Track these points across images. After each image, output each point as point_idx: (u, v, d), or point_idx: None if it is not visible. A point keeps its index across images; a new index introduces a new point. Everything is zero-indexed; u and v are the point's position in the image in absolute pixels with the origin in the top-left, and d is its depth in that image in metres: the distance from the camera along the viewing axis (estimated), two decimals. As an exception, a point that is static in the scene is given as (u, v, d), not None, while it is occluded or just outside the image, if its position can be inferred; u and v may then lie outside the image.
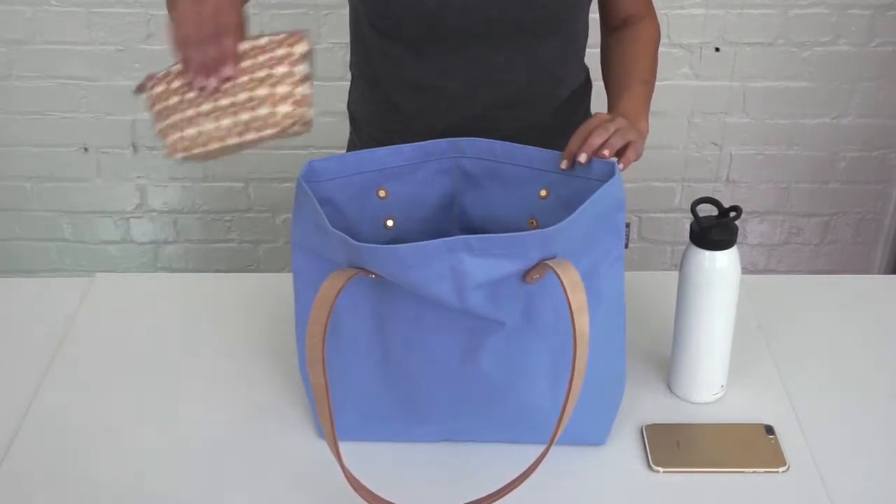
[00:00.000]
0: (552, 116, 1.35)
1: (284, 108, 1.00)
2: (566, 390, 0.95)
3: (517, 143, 1.09)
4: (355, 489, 0.99)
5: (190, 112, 1.02)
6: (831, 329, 1.31)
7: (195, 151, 1.02)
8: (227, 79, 1.01)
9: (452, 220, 1.14)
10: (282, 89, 1.01)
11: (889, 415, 1.16)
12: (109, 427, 1.15)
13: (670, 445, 1.10)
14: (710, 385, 1.17)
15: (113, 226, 2.51)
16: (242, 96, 1.01)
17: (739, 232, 1.10)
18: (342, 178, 1.07)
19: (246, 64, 1.02)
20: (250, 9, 1.12)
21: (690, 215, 1.11)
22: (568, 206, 1.01)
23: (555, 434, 0.96)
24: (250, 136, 1.01)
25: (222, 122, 1.01)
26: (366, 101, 1.38)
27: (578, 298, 0.93)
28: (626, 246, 1.05)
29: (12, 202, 2.47)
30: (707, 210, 1.10)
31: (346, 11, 1.36)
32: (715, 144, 2.41)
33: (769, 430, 1.13)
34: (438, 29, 1.24)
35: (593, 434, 1.11)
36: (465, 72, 1.28)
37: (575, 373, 0.94)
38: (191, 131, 1.02)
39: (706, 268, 1.10)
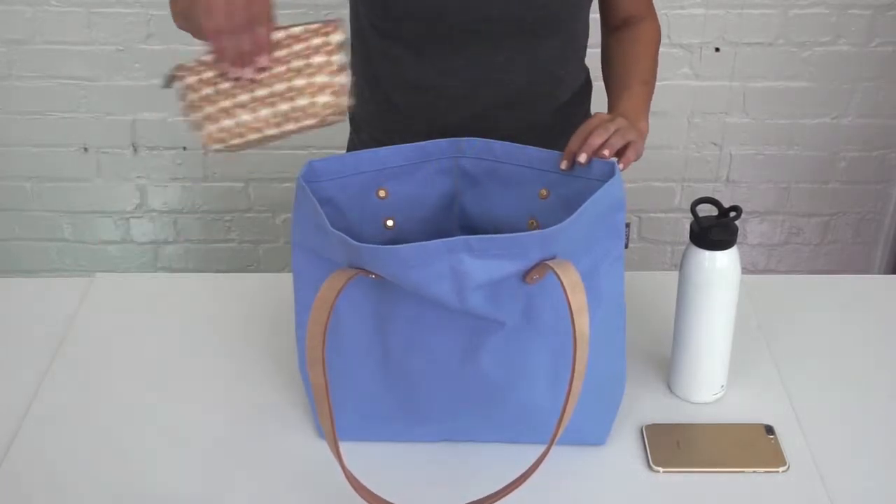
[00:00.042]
0: (552, 116, 1.35)
1: (324, 99, 1.00)
2: (566, 390, 0.95)
3: (517, 143, 1.09)
4: (355, 489, 0.99)
5: (226, 103, 1.01)
6: (831, 329, 1.31)
7: (232, 142, 1.02)
8: (263, 68, 1.01)
9: (452, 220, 1.14)
10: (320, 79, 1.00)
11: (889, 415, 1.16)
12: (109, 427, 1.15)
13: (670, 445, 1.10)
14: (710, 385, 1.17)
15: (113, 226, 2.51)
16: (280, 86, 1.00)
17: (739, 232, 1.10)
18: (342, 178, 1.07)
19: (281, 53, 1.01)
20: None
21: (690, 215, 1.11)
22: (568, 206, 1.01)
23: (555, 434, 0.96)
24: (289, 126, 1.01)
25: (260, 112, 1.01)
26: (366, 101, 1.38)
27: (578, 299, 0.93)
28: (626, 246, 1.05)
29: (12, 202, 2.47)
30: (707, 210, 1.10)
31: (346, 11, 1.36)
32: (715, 144, 2.41)
33: (769, 430, 1.13)
34: (438, 29, 1.24)
35: (593, 434, 1.11)
36: (465, 72, 1.28)
37: (575, 373, 0.94)
38: (228, 122, 1.01)
39: (706, 268, 1.10)
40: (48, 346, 1.28)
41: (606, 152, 1.05)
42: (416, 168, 1.10)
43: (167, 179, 2.44)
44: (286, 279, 1.17)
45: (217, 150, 1.03)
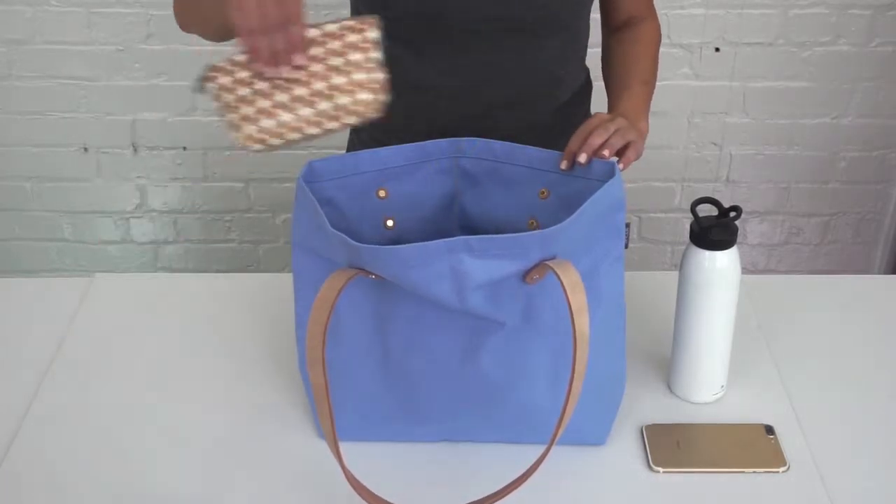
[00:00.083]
0: (552, 116, 1.35)
1: (364, 96, 1.00)
2: (566, 390, 0.95)
3: (517, 143, 1.09)
4: (355, 489, 0.99)
5: (265, 103, 1.00)
6: (831, 329, 1.31)
7: (272, 142, 1.01)
8: (298, 67, 1.00)
9: (452, 220, 1.14)
10: (359, 76, 1.00)
11: (889, 415, 1.16)
12: (109, 427, 1.15)
13: (670, 445, 1.10)
14: (710, 385, 1.17)
15: (113, 226, 2.51)
16: (320, 85, 1.00)
17: (739, 232, 1.10)
18: (342, 178, 1.07)
19: (317, 51, 1.00)
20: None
21: (690, 215, 1.11)
22: (568, 206, 1.01)
23: (555, 434, 0.96)
24: (331, 124, 1.01)
25: (301, 112, 1.00)
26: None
27: (578, 299, 0.93)
28: (626, 246, 1.05)
29: (12, 202, 2.47)
30: (707, 210, 1.10)
31: (346, 12, 1.36)
32: (715, 144, 2.41)
33: (769, 430, 1.13)
34: (438, 28, 1.24)
35: (593, 434, 1.11)
36: (465, 72, 1.28)
37: (575, 373, 0.94)
38: (268, 122, 1.00)
39: (706, 268, 1.10)
40: (48, 346, 1.28)
41: (606, 152, 1.05)
42: (416, 168, 1.10)
43: (167, 179, 2.44)
44: (286, 279, 1.17)
45: (256, 151, 1.02)
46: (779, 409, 1.16)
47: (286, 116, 1.00)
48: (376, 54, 1.01)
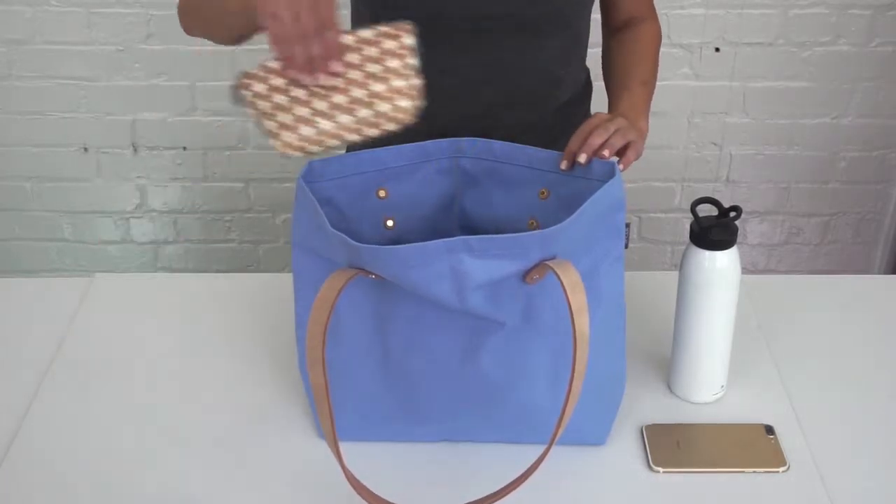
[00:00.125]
0: (552, 116, 1.35)
1: (404, 103, 1.00)
2: (566, 390, 0.95)
3: (517, 143, 1.09)
4: (355, 489, 0.99)
5: (303, 111, 1.00)
6: (831, 329, 1.31)
7: (312, 149, 1.00)
8: (335, 73, 0.99)
9: (452, 220, 1.14)
10: (398, 83, 0.99)
11: (889, 415, 1.16)
12: (109, 427, 1.15)
13: (670, 445, 1.10)
14: (710, 385, 1.17)
15: (113, 226, 2.51)
16: (359, 92, 0.99)
17: (739, 232, 1.10)
18: (342, 178, 1.07)
19: (353, 58, 1.00)
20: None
21: (690, 215, 1.11)
22: (568, 206, 1.01)
23: (555, 434, 0.96)
24: (370, 131, 1.00)
25: (340, 119, 0.99)
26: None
27: (578, 299, 0.93)
28: (626, 246, 1.05)
29: (12, 202, 2.47)
30: (707, 210, 1.10)
31: (346, 12, 1.36)
32: (715, 144, 2.41)
33: (769, 430, 1.13)
34: (438, 27, 1.24)
35: (593, 434, 1.11)
36: (465, 71, 1.27)
37: (575, 373, 0.94)
38: (307, 130, 0.99)
39: (706, 268, 1.10)
40: (48, 346, 1.28)
41: (606, 152, 1.05)
42: (416, 168, 1.10)
43: (167, 179, 2.44)
44: (286, 279, 1.17)
45: (293, 157, 1.01)
46: (779, 409, 1.16)
47: (326, 124, 1.00)
48: (413, 60, 1.00)
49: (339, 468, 0.98)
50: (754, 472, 1.07)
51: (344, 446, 0.99)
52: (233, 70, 2.28)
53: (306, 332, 0.95)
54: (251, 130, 2.37)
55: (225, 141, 2.39)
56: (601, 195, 0.98)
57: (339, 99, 1.00)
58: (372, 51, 1.00)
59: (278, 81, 1.00)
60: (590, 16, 1.32)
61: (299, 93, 1.00)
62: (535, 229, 1.10)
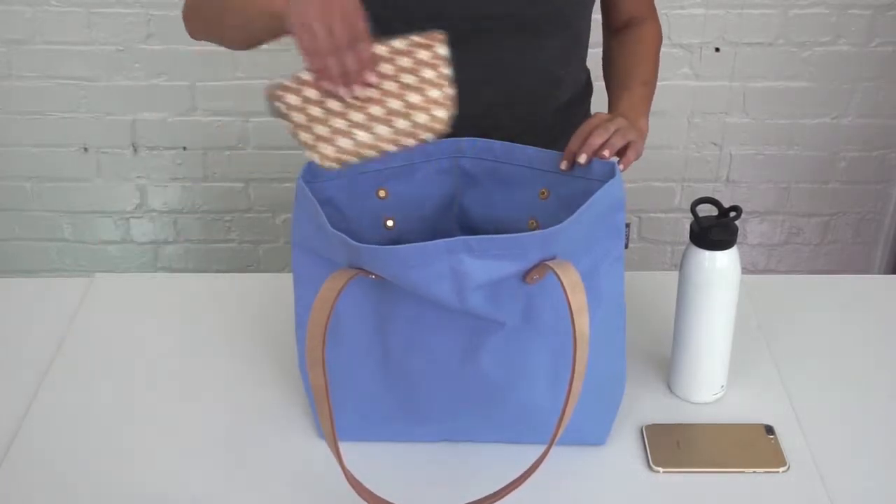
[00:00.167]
0: (552, 116, 1.34)
1: (440, 113, 1.00)
2: (566, 390, 0.95)
3: (517, 143, 1.09)
4: (355, 489, 0.99)
5: (340, 122, 0.99)
6: (831, 329, 1.31)
7: (349, 160, 1.00)
8: (369, 85, 0.99)
9: (452, 220, 1.14)
10: (434, 93, 0.99)
11: (889, 415, 1.16)
12: (109, 427, 1.15)
13: (670, 445, 1.10)
14: (710, 385, 1.17)
15: (113, 226, 2.51)
16: (395, 104, 0.99)
17: (739, 232, 1.10)
18: (342, 178, 1.07)
19: (387, 69, 1.00)
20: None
21: (690, 215, 1.11)
22: (568, 206, 1.01)
23: (555, 434, 0.96)
24: (407, 141, 1.00)
25: (378, 130, 0.99)
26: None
27: (578, 299, 0.93)
28: (626, 246, 1.05)
29: (12, 202, 2.47)
30: (707, 210, 1.10)
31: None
32: (715, 144, 2.41)
33: (769, 430, 1.13)
34: (438, 26, 1.23)
35: (593, 434, 1.11)
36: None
37: (575, 373, 0.94)
38: (345, 142, 0.99)
39: (706, 268, 1.10)
40: (48, 346, 1.28)
41: (606, 152, 1.05)
42: (416, 168, 1.10)
43: (167, 179, 2.44)
44: (286, 279, 1.17)
45: (331, 168, 1.01)
46: (779, 409, 1.16)
47: (363, 135, 0.99)
48: (447, 70, 1.00)
49: (339, 468, 0.98)
50: (754, 472, 1.07)
51: (344, 446, 0.99)
52: (233, 70, 2.28)
53: (306, 332, 0.95)
54: (251, 130, 2.37)
55: (225, 141, 2.39)
56: (601, 195, 0.98)
57: (375, 110, 0.99)
58: (405, 61, 1.00)
59: (312, 93, 0.99)
60: (590, 16, 1.32)
61: (334, 104, 0.99)
62: (535, 229, 1.10)
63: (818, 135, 2.39)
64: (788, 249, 2.56)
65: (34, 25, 2.26)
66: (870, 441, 1.12)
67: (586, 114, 1.41)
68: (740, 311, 1.15)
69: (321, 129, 0.99)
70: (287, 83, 1.00)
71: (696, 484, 1.06)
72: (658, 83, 1.30)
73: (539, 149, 1.08)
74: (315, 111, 0.99)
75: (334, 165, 1.00)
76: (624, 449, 1.11)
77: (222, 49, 1.21)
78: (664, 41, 1.39)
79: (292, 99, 0.99)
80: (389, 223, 1.11)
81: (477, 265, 0.93)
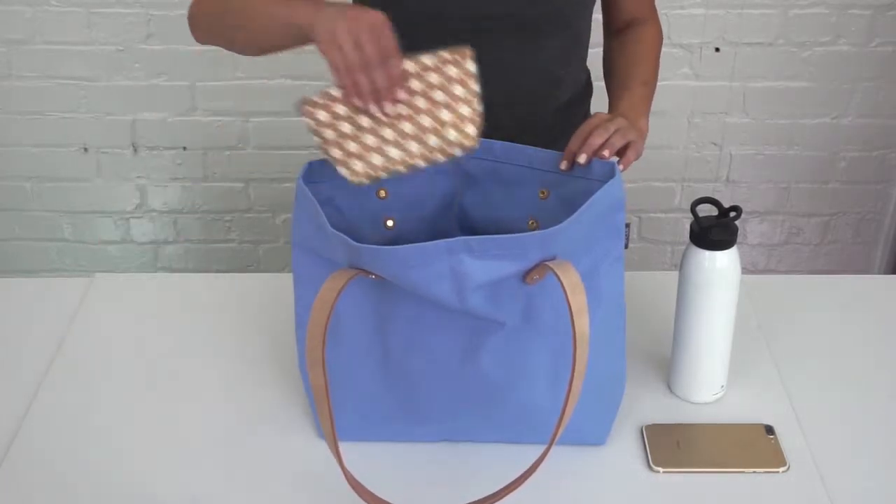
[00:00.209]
0: (552, 117, 1.34)
1: (470, 129, 1.00)
2: (566, 390, 0.95)
3: (517, 143, 1.09)
4: (355, 489, 0.99)
5: (371, 139, 0.99)
6: (831, 329, 1.31)
7: (380, 175, 1.00)
8: (399, 101, 0.99)
9: (452, 220, 1.14)
10: (464, 110, 1.00)
11: (889, 415, 1.16)
12: (109, 427, 1.15)
13: (670, 445, 1.10)
14: (710, 385, 1.17)
15: (113, 226, 2.51)
16: (427, 121, 0.99)
17: (739, 232, 1.10)
18: (342, 178, 1.07)
19: (417, 85, 1.00)
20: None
21: (690, 215, 1.11)
22: (568, 206, 1.01)
23: (555, 434, 0.96)
24: (438, 157, 1.00)
25: (409, 147, 0.99)
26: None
27: (578, 300, 0.93)
28: (626, 246, 1.05)
29: (12, 202, 2.47)
30: (707, 210, 1.10)
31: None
32: (715, 144, 2.41)
33: (769, 430, 1.13)
34: (439, 27, 1.24)
35: (593, 434, 1.11)
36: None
37: (575, 373, 0.94)
38: (377, 158, 0.99)
39: (706, 268, 1.10)
40: (48, 346, 1.28)
41: (606, 153, 1.05)
42: (417, 168, 1.10)
43: (167, 179, 2.44)
44: (286, 279, 1.17)
45: (361, 183, 1.01)
46: (779, 409, 1.16)
47: (394, 152, 1.00)
48: (475, 86, 1.01)
49: (339, 468, 0.98)
50: (754, 472, 1.07)
51: (344, 446, 0.99)
52: (233, 70, 2.28)
53: (306, 332, 0.95)
54: (251, 130, 2.37)
55: (225, 141, 2.39)
56: (601, 195, 0.98)
57: (406, 127, 1.00)
58: (434, 77, 1.00)
59: (341, 109, 1.00)
60: (590, 16, 1.32)
61: (364, 120, 1.00)
62: (535, 229, 1.10)
63: (818, 135, 2.39)
64: (788, 249, 2.56)
65: (34, 25, 2.26)
66: (870, 441, 1.12)
67: (586, 114, 1.41)
68: (740, 311, 1.15)
69: (352, 146, 1.00)
70: (316, 99, 1.00)
71: (696, 484, 1.06)
72: (658, 83, 1.30)
73: (539, 149, 1.08)
74: (345, 127, 1.00)
75: (364, 181, 1.00)
76: (624, 449, 1.11)
77: (223, 49, 1.21)
78: (664, 41, 1.39)
79: (322, 115, 0.99)
80: (389, 223, 1.11)
81: (477, 265, 0.93)
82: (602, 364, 1.03)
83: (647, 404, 1.17)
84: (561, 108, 1.35)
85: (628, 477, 1.08)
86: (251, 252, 2.54)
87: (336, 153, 1.00)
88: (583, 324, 0.93)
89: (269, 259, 2.54)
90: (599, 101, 1.33)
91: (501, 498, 0.99)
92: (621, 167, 1.05)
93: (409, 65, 1.00)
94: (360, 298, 1.01)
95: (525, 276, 0.96)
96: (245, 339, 1.29)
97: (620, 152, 1.08)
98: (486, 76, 1.28)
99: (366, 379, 1.06)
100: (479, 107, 1.01)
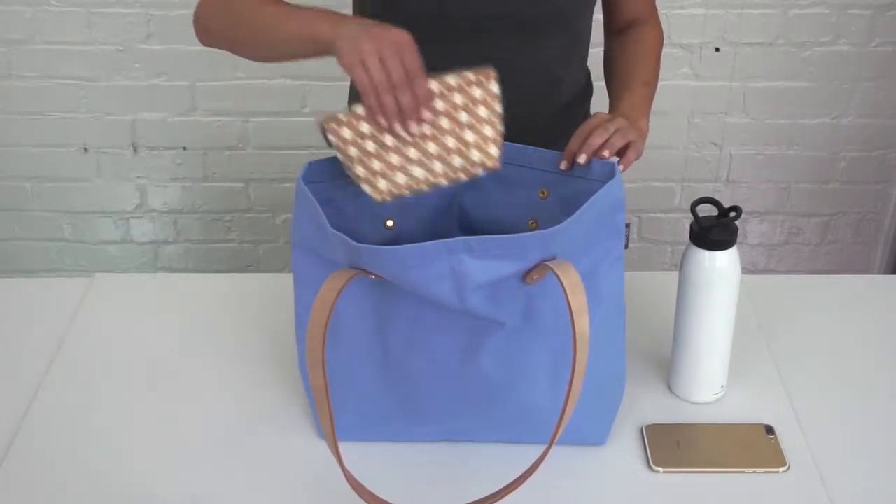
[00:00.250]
0: (552, 117, 1.34)
1: (493, 150, 1.01)
2: (566, 390, 0.95)
3: (517, 143, 1.09)
4: (355, 489, 0.99)
5: (395, 158, 1.00)
6: (831, 329, 1.31)
7: (402, 193, 1.01)
8: (424, 121, 0.99)
9: (452, 220, 1.14)
10: (487, 131, 1.00)
11: (889, 415, 1.16)
12: (109, 427, 1.15)
13: (670, 445, 1.10)
14: (710, 385, 1.17)
15: (113, 226, 2.51)
16: (450, 141, 1.00)
17: (739, 232, 1.10)
18: (342, 178, 1.07)
19: (441, 106, 1.00)
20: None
21: (690, 215, 1.11)
22: (568, 206, 1.01)
23: (555, 434, 0.96)
24: (461, 177, 1.01)
25: (434, 166, 1.00)
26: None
27: (578, 300, 0.93)
28: (626, 246, 1.05)
29: (12, 202, 2.47)
30: (707, 210, 1.10)
31: (347, 10, 1.36)
32: (715, 144, 2.41)
33: (769, 430, 1.13)
34: (438, 26, 1.24)
35: (593, 434, 1.11)
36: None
37: (575, 373, 0.94)
38: (401, 178, 1.00)
39: (706, 268, 1.10)
40: (48, 346, 1.28)
41: (606, 153, 1.05)
42: (416, 168, 1.10)
43: (167, 179, 2.44)
44: (286, 279, 1.17)
45: (384, 201, 1.01)
46: (779, 409, 1.16)
47: (419, 171, 1.00)
48: (499, 107, 1.01)
49: (339, 468, 0.98)
50: (754, 472, 1.07)
51: (344, 446, 0.99)
52: (233, 70, 2.28)
53: (306, 332, 0.95)
54: (251, 130, 2.37)
55: (225, 141, 2.39)
56: (601, 195, 0.98)
57: (431, 147, 1.00)
58: (458, 98, 1.00)
59: (365, 127, 1.00)
60: (591, 16, 1.32)
61: (388, 139, 1.00)
62: (535, 229, 1.10)
63: (818, 135, 2.39)
64: (788, 249, 2.56)
65: (34, 25, 2.26)
66: (870, 441, 1.12)
67: (586, 114, 1.41)
68: (740, 311, 1.15)
69: (376, 164, 1.00)
70: (341, 116, 1.00)
71: (696, 484, 1.06)
72: (658, 83, 1.30)
73: (539, 149, 1.08)
74: (369, 145, 1.00)
75: (387, 199, 1.01)
76: (624, 449, 1.11)
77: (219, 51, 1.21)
78: (664, 41, 1.39)
79: (346, 133, 1.00)
80: (389, 223, 1.11)
81: (477, 265, 0.93)
82: (602, 364, 1.03)
83: (647, 404, 1.17)
84: (561, 108, 1.35)
85: (628, 477, 1.08)
86: (251, 252, 2.54)
87: (360, 171, 1.00)
88: (583, 324, 0.93)
89: (269, 259, 2.54)
90: (600, 101, 1.33)
91: (501, 498, 0.99)
92: (621, 167, 1.05)
93: (433, 84, 1.00)
94: (360, 298, 1.01)
95: (525, 276, 0.96)
96: (245, 339, 1.29)
97: (621, 152, 1.08)
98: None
99: (366, 379, 1.06)
100: (501, 127, 1.01)
